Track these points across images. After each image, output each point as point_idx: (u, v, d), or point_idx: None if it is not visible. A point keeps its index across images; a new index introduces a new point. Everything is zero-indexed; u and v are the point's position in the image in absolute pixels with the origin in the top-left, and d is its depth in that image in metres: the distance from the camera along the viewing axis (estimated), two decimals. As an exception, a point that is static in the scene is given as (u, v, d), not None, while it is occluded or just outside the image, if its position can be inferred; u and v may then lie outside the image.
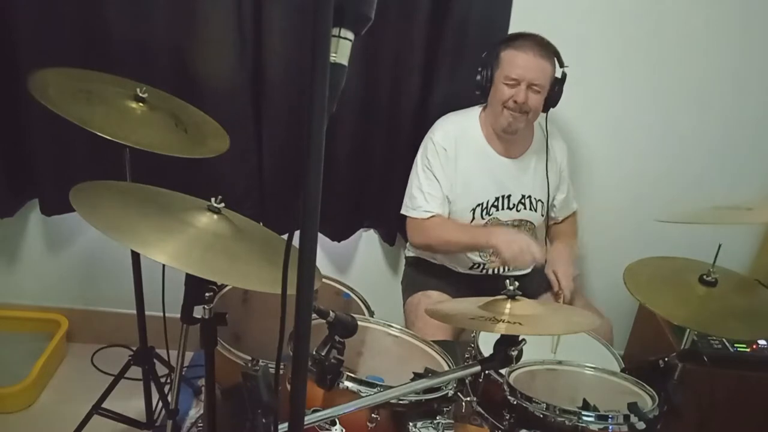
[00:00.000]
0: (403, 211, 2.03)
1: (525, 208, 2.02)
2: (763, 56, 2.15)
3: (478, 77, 1.92)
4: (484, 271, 2.08)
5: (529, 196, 2.02)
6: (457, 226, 1.97)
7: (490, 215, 1.99)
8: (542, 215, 2.06)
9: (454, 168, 1.95)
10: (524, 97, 1.85)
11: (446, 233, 1.95)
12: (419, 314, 1.94)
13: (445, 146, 1.94)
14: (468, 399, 1.45)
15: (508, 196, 1.99)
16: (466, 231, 1.96)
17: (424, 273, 2.12)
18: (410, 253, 2.22)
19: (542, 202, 2.04)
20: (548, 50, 1.86)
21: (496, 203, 1.98)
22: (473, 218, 1.98)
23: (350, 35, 0.75)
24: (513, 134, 1.93)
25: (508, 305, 1.32)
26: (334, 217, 2.26)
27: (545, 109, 1.94)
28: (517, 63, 1.84)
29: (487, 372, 1.48)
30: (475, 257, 2.05)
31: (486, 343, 1.63)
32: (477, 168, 1.97)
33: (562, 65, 1.90)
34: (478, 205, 1.97)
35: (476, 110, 2.02)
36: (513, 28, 2.03)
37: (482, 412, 1.48)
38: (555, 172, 2.06)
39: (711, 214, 1.54)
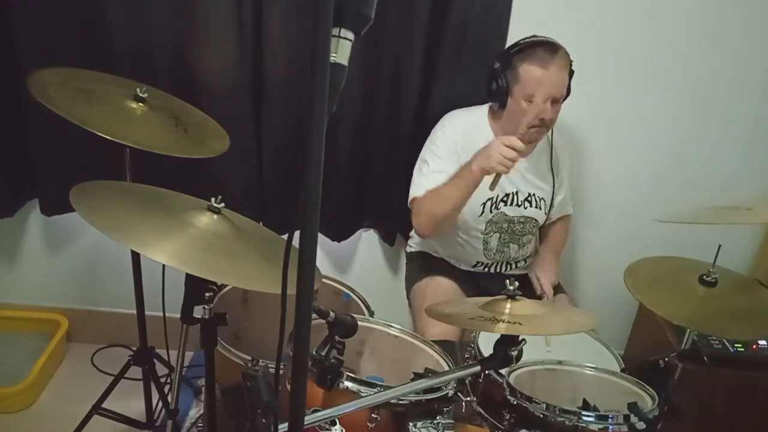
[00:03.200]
0: (409, 203, 1.99)
1: (531, 206, 2.03)
2: (762, 55, 2.15)
3: (494, 86, 1.87)
4: (487, 269, 2.08)
5: (534, 195, 2.03)
6: (444, 185, 1.87)
7: (498, 209, 2.00)
8: (545, 213, 2.07)
9: (465, 160, 1.94)
10: (550, 114, 1.82)
11: (438, 195, 1.87)
12: (427, 299, 1.95)
13: (455, 138, 1.94)
14: (468, 399, 1.45)
15: (516, 193, 2.00)
16: (451, 182, 1.85)
17: (426, 264, 2.13)
18: (411, 249, 2.23)
19: (545, 201, 2.05)
20: (566, 59, 1.81)
21: (505, 198, 1.99)
22: (483, 212, 1.98)
23: (350, 35, 0.75)
24: (533, 143, 1.95)
25: (508, 305, 1.32)
26: (334, 217, 2.26)
27: None
28: (541, 81, 1.77)
29: (487, 372, 1.48)
30: (480, 257, 2.06)
31: (486, 343, 1.63)
32: None
33: (571, 64, 1.86)
34: (489, 199, 1.97)
35: (483, 108, 2.01)
36: (513, 28, 2.03)
37: (482, 412, 1.48)
38: (558, 171, 2.06)
39: (711, 214, 1.54)
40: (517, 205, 2.01)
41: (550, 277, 2.06)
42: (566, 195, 2.14)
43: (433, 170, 1.92)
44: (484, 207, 1.98)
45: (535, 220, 2.06)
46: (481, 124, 1.98)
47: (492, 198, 1.97)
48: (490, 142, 1.77)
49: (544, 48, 1.79)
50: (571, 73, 1.88)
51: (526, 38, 1.85)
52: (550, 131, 1.99)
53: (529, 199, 2.02)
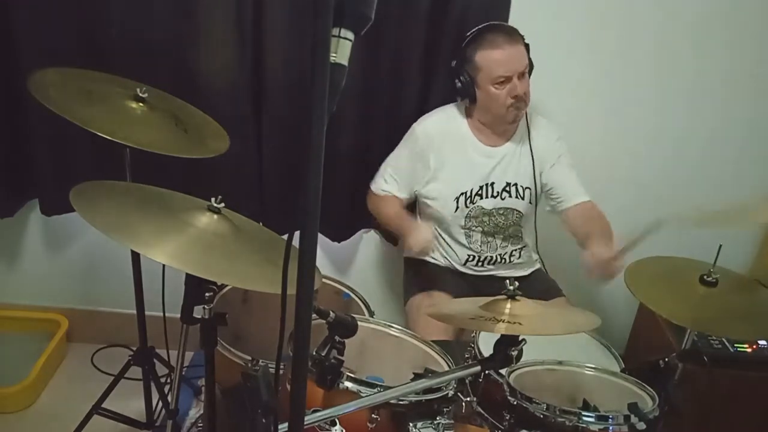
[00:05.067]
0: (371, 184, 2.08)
1: (510, 196, 2.00)
2: (758, 56, 2.15)
3: (459, 85, 1.91)
4: (480, 263, 2.07)
5: (515, 184, 2.00)
6: (396, 211, 2.01)
7: (473, 203, 1.99)
8: (530, 202, 2.03)
9: (437, 157, 1.95)
10: (521, 88, 1.85)
11: (386, 210, 2.03)
12: (421, 314, 1.94)
13: (428, 135, 1.95)
14: (468, 399, 1.45)
15: (492, 184, 1.98)
16: (397, 217, 2.00)
17: (423, 273, 2.12)
18: (407, 254, 2.22)
19: (530, 189, 2.02)
20: (516, 34, 1.87)
21: (480, 192, 1.98)
22: (457, 207, 1.98)
23: (350, 35, 0.75)
24: (517, 122, 1.96)
25: (508, 305, 1.32)
26: (335, 217, 2.26)
27: None
28: (500, 60, 1.83)
29: (487, 372, 1.48)
30: (467, 250, 2.05)
31: (486, 343, 1.63)
32: (461, 158, 1.97)
33: (523, 38, 1.89)
34: (462, 194, 1.97)
35: (451, 107, 2.01)
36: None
37: (482, 412, 1.48)
38: (539, 157, 2.00)
39: (711, 215, 1.54)
40: (493, 196, 1.99)
41: (601, 252, 1.76)
42: (574, 182, 2.02)
43: (391, 173, 2.02)
44: (458, 201, 1.98)
45: (517, 210, 2.02)
46: (456, 118, 1.99)
47: (465, 192, 1.97)
48: (423, 236, 1.88)
49: (490, 31, 1.86)
50: (527, 45, 1.90)
51: (471, 30, 1.89)
52: (526, 117, 1.99)
53: (507, 189, 2.00)
